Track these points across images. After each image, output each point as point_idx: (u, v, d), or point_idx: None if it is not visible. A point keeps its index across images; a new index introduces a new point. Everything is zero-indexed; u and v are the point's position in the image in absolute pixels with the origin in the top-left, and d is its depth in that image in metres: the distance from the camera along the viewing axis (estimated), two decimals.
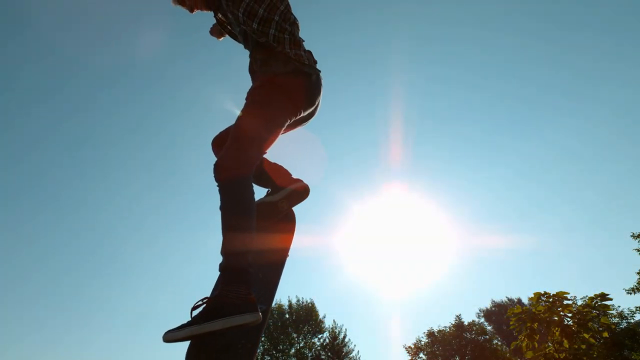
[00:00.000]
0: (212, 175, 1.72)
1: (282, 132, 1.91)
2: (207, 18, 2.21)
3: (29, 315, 40.98)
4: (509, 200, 51.84)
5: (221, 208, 1.63)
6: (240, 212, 1.60)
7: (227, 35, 2.40)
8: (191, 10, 2.09)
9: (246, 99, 1.91)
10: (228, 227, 1.58)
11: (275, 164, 2.20)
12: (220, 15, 2.10)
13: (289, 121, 1.89)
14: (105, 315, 41.11)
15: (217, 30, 2.45)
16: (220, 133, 2.11)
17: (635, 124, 46.42)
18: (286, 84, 1.82)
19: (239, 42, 2.17)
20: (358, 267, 42.21)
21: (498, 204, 52.36)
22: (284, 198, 2.13)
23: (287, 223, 2.19)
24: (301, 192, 2.15)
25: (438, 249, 43.06)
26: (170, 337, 1.45)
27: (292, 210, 2.25)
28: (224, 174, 1.65)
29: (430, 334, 27.09)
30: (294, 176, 2.21)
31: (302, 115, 1.94)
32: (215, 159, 1.86)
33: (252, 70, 2.04)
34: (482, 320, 32.29)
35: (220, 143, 2.06)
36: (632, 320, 17.98)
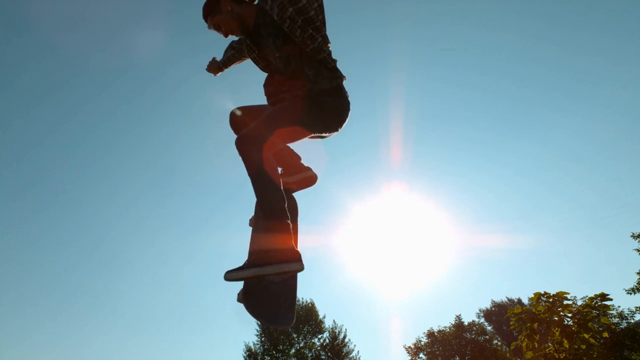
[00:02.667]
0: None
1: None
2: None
3: (29, 315, 40.99)
4: (509, 200, 51.90)
5: (256, 199, 1.94)
6: (274, 217, 1.89)
7: (225, 70, 2.66)
8: (226, 35, 2.23)
9: (284, 99, 2.13)
10: (264, 229, 1.90)
11: (288, 147, 2.44)
12: (249, 42, 2.26)
13: (311, 134, 2.16)
14: (105, 315, 41.12)
15: (216, 66, 2.68)
16: (242, 108, 2.32)
17: (635, 124, 46.43)
18: (328, 105, 2.06)
19: (260, 67, 2.33)
20: (358, 267, 42.19)
21: (498, 204, 52.42)
22: (296, 182, 2.40)
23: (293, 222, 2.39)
24: (310, 181, 2.44)
25: (438, 249, 43.00)
26: (233, 276, 1.79)
27: (297, 209, 2.43)
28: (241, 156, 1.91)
29: (430, 334, 27.04)
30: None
31: (325, 134, 2.21)
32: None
33: (275, 84, 2.21)
34: (482, 320, 32.31)
35: (235, 120, 2.31)
36: (632, 321, 17.98)
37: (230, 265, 2.02)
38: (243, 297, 1.80)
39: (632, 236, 15.10)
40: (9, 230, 45.92)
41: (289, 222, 1.91)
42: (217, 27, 2.18)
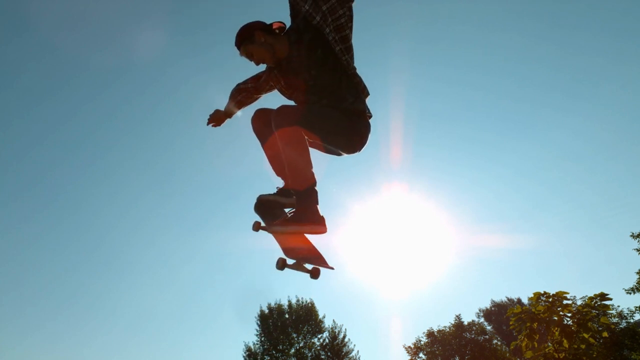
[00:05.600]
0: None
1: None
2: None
3: (29, 315, 40.97)
4: (509, 200, 51.83)
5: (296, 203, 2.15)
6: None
7: (232, 117, 2.73)
8: (257, 64, 2.33)
9: (321, 105, 2.18)
10: (297, 193, 2.13)
11: None
12: (277, 72, 2.34)
13: (329, 147, 2.29)
14: (105, 315, 41.12)
15: (222, 115, 2.72)
16: (265, 109, 2.38)
17: (635, 124, 46.47)
18: (358, 125, 2.23)
19: (286, 96, 2.41)
20: (358, 267, 42.09)
21: (498, 204, 52.36)
22: (291, 204, 2.41)
23: None
24: None
25: (438, 249, 42.93)
26: (277, 230, 2.18)
27: None
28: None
29: (430, 334, 27.01)
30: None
31: (343, 153, 2.32)
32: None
33: (302, 94, 2.29)
34: (482, 320, 32.31)
35: (259, 123, 2.37)
36: (632, 320, 17.97)
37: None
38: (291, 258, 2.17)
39: (632, 236, 15.11)
40: (9, 230, 45.82)
41: (316, 188, 2.14)
42: (249, 55, 2.28)
